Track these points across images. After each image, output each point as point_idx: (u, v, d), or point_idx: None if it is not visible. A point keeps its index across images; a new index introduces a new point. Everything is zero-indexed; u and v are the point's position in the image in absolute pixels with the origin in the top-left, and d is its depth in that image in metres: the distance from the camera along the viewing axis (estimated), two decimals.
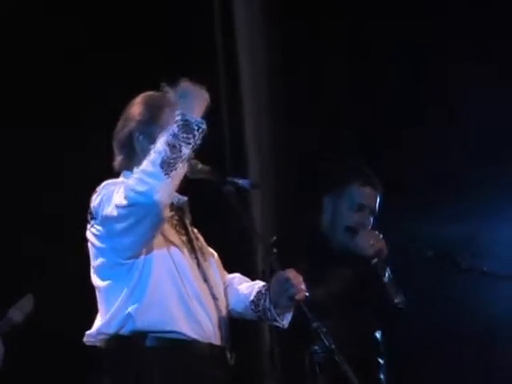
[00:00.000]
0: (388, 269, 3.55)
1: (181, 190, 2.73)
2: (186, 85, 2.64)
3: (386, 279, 3.52)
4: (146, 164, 2.50)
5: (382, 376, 3.63)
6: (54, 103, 5.24)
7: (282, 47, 5.60)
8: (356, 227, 3.61)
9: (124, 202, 2.48)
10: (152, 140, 2.64)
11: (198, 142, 2.54)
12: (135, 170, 2.61)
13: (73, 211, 3.09)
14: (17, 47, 5.43)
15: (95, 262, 2.71)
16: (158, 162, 2.46)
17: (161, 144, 2.51)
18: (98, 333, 2.69)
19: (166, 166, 2.46)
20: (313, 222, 3.81)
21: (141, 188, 2.44)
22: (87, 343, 2.72)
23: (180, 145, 2.49)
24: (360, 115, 5.40)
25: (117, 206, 2.52)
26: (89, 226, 2.71)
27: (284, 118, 5.36)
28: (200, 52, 5.65)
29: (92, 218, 2.69)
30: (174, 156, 2.48)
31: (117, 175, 2.80)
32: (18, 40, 5.54)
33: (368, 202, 3.66)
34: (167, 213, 2.60)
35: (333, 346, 2.60)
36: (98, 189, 2.70)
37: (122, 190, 2.52)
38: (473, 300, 4.53)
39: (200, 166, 2.79)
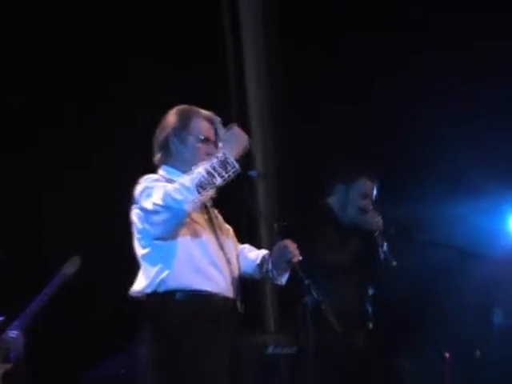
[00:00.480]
0: (384, 240, 4.80)
1: None
2: (235, 130, 3.41)
3: (384, 248, 4.77)
4: (186, 179, 3.25)
5: (371, 326, 4.81)
6: None
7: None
8: (365, 209, 4.83)
9: (160, 202, 3.22)
10: (183, 142, 3.53)
11: (230, 177, 3.28)
12: (176, 178, 3.36)
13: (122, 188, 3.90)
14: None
15: (136, 235, 3.46)
16: (195, 181, 3.20)
17: (202, 169, 3.26)
18: (140, 291, 3.41)
19: (200, 187, 3.20)
20: (324, 205, 5.00)
21: (177, 196, 3.18)
22: (133, 297, 3.48)
23: (215, 175, 3.25)
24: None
25: (154, 203, 3.24)
26: (132, 208, 3.50)
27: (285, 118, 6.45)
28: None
29: (134, 203, 3.44)
30: (208, 181, 3.22)
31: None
32: None
33: (371, 192, 4.91)
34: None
35: (320, 298, 3.53)
36: (141, 180, 3.43)
37: (161, 191, 3.23)
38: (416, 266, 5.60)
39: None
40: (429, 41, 6.51)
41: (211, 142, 3.56)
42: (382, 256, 4.74)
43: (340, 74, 6.56)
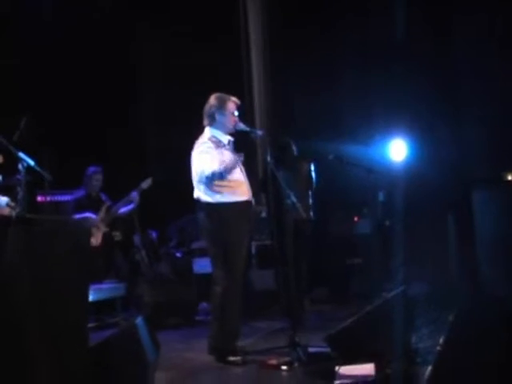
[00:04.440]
0: None
1: (231, 135, 6.15)
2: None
3: None
4: (219, 168, 5.88)
5: None
6: None
7: None
8: None
9: (208, 173, 5.87)
10: (221, 114, 6.07)
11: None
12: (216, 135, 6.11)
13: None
14: None
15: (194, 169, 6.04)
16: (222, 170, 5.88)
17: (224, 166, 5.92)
18: (199, 199, 5.98)
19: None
20: None
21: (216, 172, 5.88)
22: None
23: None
24: None
25: (203, 170, 5.90)
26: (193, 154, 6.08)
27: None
28: None
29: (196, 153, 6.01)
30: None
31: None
32: None
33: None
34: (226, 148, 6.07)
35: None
36: (200, 144, 6.06)
37: (211, 166, 5.86)
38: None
39: (241, 124, 6.11)
40: None
41: (236, 114, 6.08)
42: None
43: None
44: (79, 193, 8.89)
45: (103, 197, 8.93)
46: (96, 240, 8.49)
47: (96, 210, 8.68)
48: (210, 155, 5.92)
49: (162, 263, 9.18)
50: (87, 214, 8.58)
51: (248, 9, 10.33)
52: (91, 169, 8.86)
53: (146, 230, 9.38)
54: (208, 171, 5.85)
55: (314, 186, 8.10)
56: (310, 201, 7.98)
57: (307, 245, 7.98)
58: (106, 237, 8.63)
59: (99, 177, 8.83)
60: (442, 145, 9.08)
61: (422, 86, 9.17)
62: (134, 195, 8.60)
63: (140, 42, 10.57)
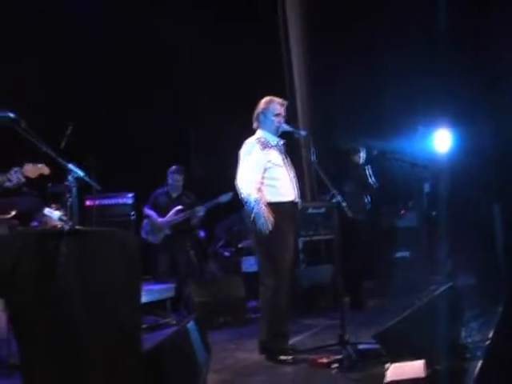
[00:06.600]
0: None
1: (280, 137, 6.35)
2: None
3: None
4: (252, 199, 5.96)
5: None
6: None
7: None
8: None
9: (244, 194, 6.04)
10: (268, 116, 6.26)
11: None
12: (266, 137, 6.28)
13: None
14: None
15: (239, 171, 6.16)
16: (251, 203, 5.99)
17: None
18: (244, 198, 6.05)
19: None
20: None
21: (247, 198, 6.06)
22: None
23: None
24: None
25: (241, 186, 6.03)
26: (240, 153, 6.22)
27: None
28: None
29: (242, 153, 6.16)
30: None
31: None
32: None
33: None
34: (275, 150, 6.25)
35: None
36: (247, 143, 6.23)
37: (248, 187, 5.99)
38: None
39: (284, 125, 6.28)
40: None
41: (281, 115, 6.27)
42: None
43: None
44: (162, 189, 9.08)
45: (186, 199, 9.05)
46: (154, 240, 8.67)
47: (167, 211, 8.87)
48: (252, 160, 6.08)
49: (211, 262, 9.30)
50: (151, 213, 8.77)
51: (288, 15, 10.43)
52: (171, 169, 9.01)
53: (193, 228, 9.49)
54: (244, 191, 6.00)
55: (374, 188, 8.74)
56: (366, 202, 8.64)
57: (361, 242, 8.35)
58: (166, 238, 8.77)
59: (176, 177, 8.95)
60: (485, 135, 9.05)
61: (465, 76, 9.14)
62: (202, 208, 8.75)
63: (184, 50, 10.65)
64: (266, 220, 5.86)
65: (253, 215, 5.91)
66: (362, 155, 8.72)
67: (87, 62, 9.71)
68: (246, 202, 5.98)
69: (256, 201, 5.89)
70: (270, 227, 5.87)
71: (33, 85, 9.17)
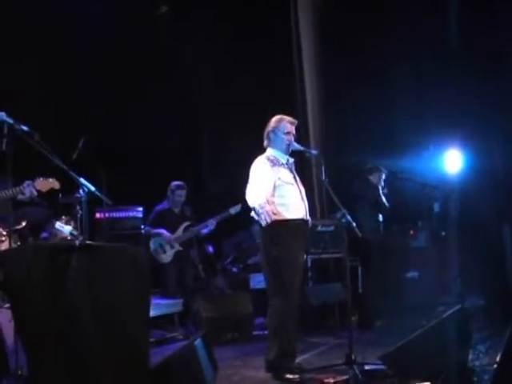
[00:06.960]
0: None
1: (290, 155, 6.33)
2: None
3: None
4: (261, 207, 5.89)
5: None
6: None
7: None
8: None
9: (252, 205, 5.99)
10: (278, 134, 6.26)
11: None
12: (275, 155, 6.28)
13: None
14: None
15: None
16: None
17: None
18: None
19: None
20: None
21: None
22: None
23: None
24: None
25: (250, 199, 5.97)
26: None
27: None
28: None
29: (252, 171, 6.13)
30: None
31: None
32: None
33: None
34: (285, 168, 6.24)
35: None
36: (257, 160, 6.20)
37: (256, 197, 5.94)
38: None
39: (295, 144, 6.29)
40: None
41: (291, 133, 6.29)
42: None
43: None
44: (162, 206, 9.00)
45: (188, 212, 9.01)
46: (166, 258, 8.62)
47: (175, 227, 8.79)
48: (261, 175, 6.08)
49: (219, 278, 9.28)
50: (161, 231, 8.70)
51: (301, 33, 10.47)
52: (174, 184, 8.94)
53: (202, 243, 9.45)
54: (252, 202, 5.97)
55: (387, 207, 8.75)
56: (379, 222, 8.73)
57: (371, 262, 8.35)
58: (178, 255, 8.76)
59: (181, 192, 8.88)
60: (496, 155, 9.04)
61: (476, 95, 9.13)
62: (213, 221, 8.68)
63: (195, 63, 10.67)
64: (268, 213, 5.85)
65: (256, 210, 5.92)
66: (382, 176, 8.72)
67: (87, 62, 9.68)
68: (254, 209, 5.95)
69: (261, 203, 5.89)
70: (269, 220, 5.85)
71: (33, 85, 9.17)
